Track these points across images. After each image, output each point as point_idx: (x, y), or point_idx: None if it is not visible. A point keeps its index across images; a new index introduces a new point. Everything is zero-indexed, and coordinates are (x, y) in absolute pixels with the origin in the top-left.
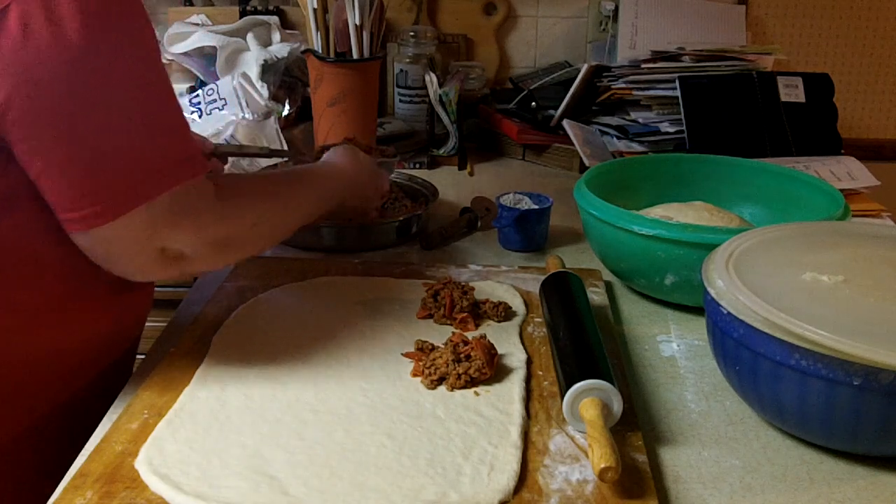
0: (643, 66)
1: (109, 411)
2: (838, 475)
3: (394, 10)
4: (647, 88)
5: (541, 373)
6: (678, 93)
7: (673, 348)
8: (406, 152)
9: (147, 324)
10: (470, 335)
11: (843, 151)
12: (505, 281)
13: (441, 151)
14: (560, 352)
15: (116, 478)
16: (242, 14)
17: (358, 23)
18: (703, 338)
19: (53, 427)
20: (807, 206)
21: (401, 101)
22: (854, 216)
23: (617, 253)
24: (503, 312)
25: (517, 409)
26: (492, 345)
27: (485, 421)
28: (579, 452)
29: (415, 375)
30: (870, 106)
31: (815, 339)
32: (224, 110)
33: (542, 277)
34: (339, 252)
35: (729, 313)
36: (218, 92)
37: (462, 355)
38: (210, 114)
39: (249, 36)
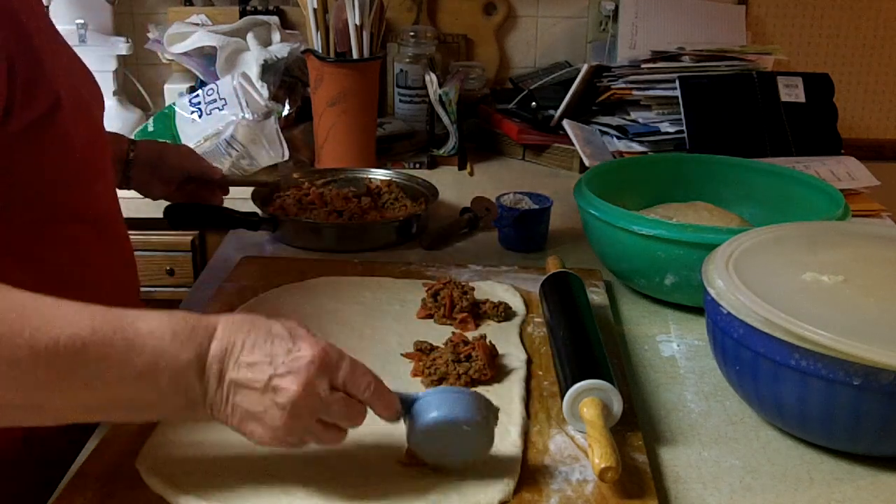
0: (643, 66)
1: None
2: (838, 475)
3: (394, 10)
4: (647, 88)
5: (541, 373)
6: (678, 93)
7: (673, 348)
8: (406, 152)
9: None
10: (470, 335)
11: (843, 151)
12: (505, 281)
13: (441, 151)
14: (560, 352)
15: (116, 478)
16: (242, 14)
17: (358, 23)
18: (703, 338)
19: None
20: (807, 206)
21: (401, 101)
22: (854, 216)
23: (617, 253)
24: (503, 312)
25: (517, 409)
26: (493, 346)
27: None
28: (579, 452)
29: (415, 375)
30: (870, 106)
31: (815, 339)
32: (224, 110)
33: (542, 277)
34: (339, 252)
35: (729, 313)
36: (218, 92)
37: (462, 355)
38: (210, 114)
39: (249, 36)
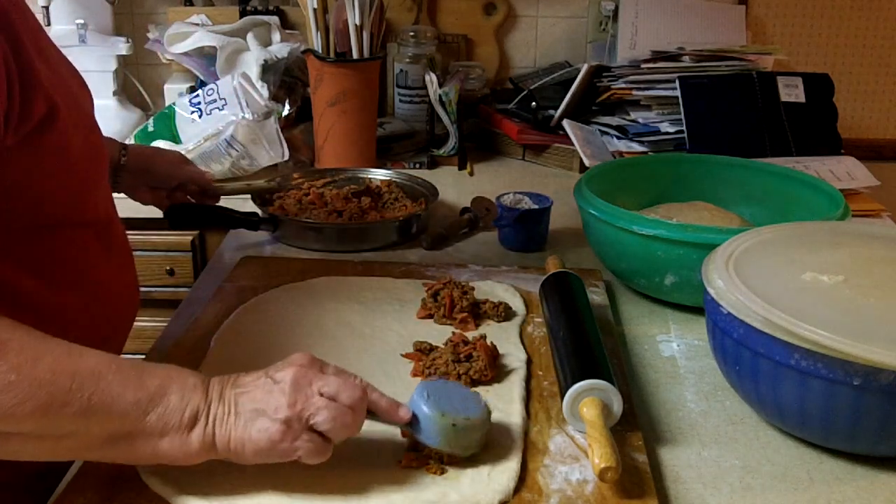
0: (643, 66)
1: None
2: (838, 475)
3: (394, 10)
4: (647, 88)
5: (541, 373)
6: (678, 93)
7: (673, 348)
8: (406, 152)
9: (147, 324)
10: (470, 335)
11: (843, 151)
12: (505, 281)
13: (441, 151)
14: (560, 352)
15: (116, 478)
16: (242, 14)
17: (358, 23)
18: (703, 338)
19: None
20: (807, 206)
21: (401, 101)
22: (854, 216)
23: (617, 253)
24: (503, 312)
25: (517, 409)
26: (495, 347)
27: None
28: (579, 452)
29: (415, 375)
30: (870, 106)
31: (815, 339)
32: (224, 110)
33: (542, 277)
34: (339, 252)
35: (729, 313)
36: (218, 92)
37: (462, 355)
38: (210, 114)
39: (249, 36)
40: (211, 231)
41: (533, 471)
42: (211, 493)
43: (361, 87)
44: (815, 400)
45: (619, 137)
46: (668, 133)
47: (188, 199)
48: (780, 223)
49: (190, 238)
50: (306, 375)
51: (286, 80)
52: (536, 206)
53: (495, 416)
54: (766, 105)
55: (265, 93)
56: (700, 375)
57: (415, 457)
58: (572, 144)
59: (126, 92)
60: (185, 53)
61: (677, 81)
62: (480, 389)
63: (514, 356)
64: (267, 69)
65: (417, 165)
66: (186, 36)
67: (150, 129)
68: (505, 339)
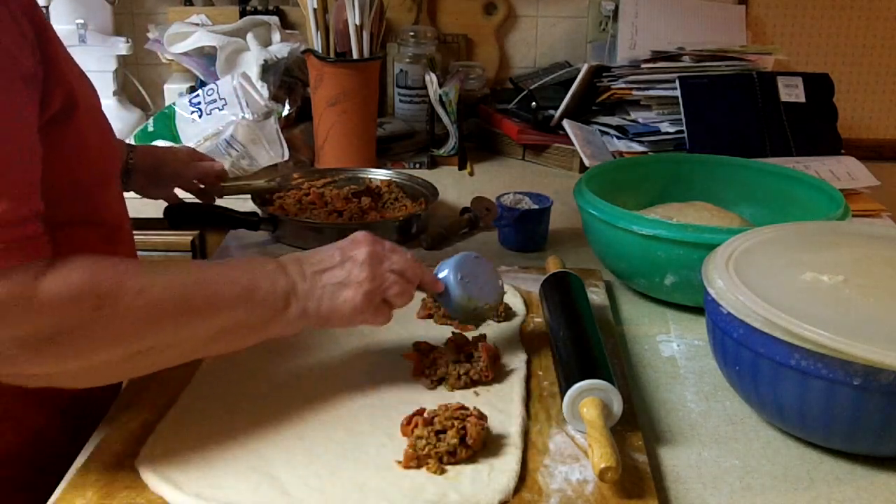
0: (643, 66)
1: (110, 411)
2: (838, 475)
3: (394, 10)
4: (647, 88)
5: (541, 373)
6: (678, 93)
7: (673, 348)
8: (406, 152)
9: None
10: (470, 335)
11: (843, 151)
12: (505, 281)
13: (441, 151)
14: (560, 352)
15: (116, 478)
16: (242, 14)
17: (358, 23)
18: (703, 338)
19: (53, 428)
20: (807, 206)
21: (401, 101)
22: (854, 216)
23: (617, 253)
24: (503, 312)
25: (517, 409)
26: (496, 348)
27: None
28: (579, 452)
29: (415, 375)
30: (870, 106)
31: (815, 339)
32: (224, 110)
33: (542, 277)
34: None
35: (729, 313)
36: (218, 92)
37: (462, 356)
38: (210, 114)
39: (249, 36)
40: (211, 231)
41: (533, 471)
42: (209, 493)
43: (361, 87)
44: (815, 400)
45: (619, 137)
46: (668, 133)
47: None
48: (780, 223)
49: (190, 238)
50: (377, 254)
51: (286, 80)
52: (536, 206)
53: (496, 416)
54: (766, 105)
55: (265, 93)
56: (700, 375)
57: (415, 457)
58: (572, 144)
59: (126, 92)
60: (185, 53)
61: (677, 81)
62: (480, 389)
63: (514, 356)
64: (267, 69)
65: (417, 165)
66: (186, 36)
67: (150, 129)
68: (505, 339)
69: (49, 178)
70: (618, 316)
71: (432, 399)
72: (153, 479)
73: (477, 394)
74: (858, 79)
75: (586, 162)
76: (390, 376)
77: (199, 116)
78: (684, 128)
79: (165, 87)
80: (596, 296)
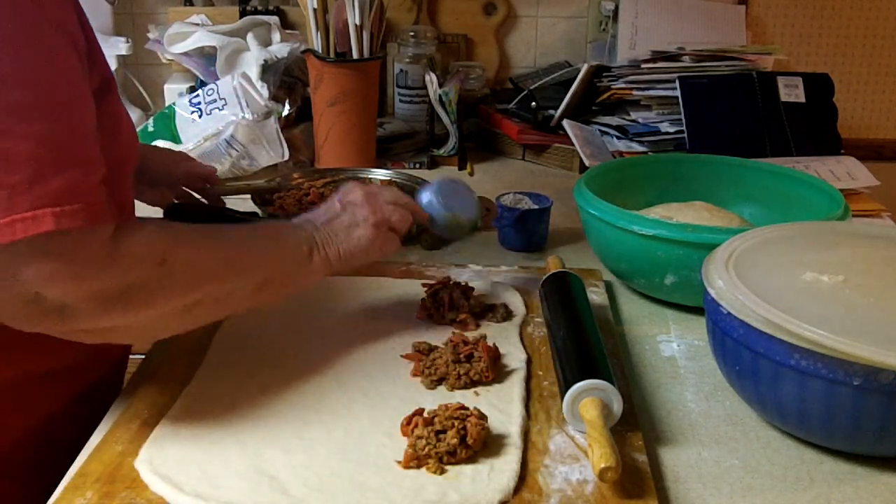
0: (643, 66)
1: (110, 411)
2: (838, 475)
3: (394, 10)
4: (647, 88)
5: (541, 373)
6: (678, 93)
7: (673, 348)
8: (406, 152)
9: None
10: (470, 335)
11: (843, 151)
12: (505, 281)
13: (441, 151)
14: (560, 352)
15: (116, 478)
16: (242, 14)
17: (358, 23)
18: (703, 338)
19: (53, 427)
20: (807, 206)
21: (401, 101)
22: (854, 216)
23: (617, 253)
24: (503, 312)
25: (517, 408)
26: (497, 348)
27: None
28: (579, 452)
29: (415, 375)
30: (870, 106)
31: (815, 339)
32: (224, 110)
33: (542, 277)
34: None
35: (729, 313)
36: (218, 92)
37: (462, 355)
38: (210, 114)
39: (249, 36)
40: None
41: (533, 471)
42: (209, 493)
43: (361, 87)
44: (815, 400)
45: (619, 137)
46: (668, 133)
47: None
48: (780, 223)
49: None
50: (371, 192)
51: (286, 80)
52: (536, 206)
53: (496, 416)
54: (766, 105)
55: (265, 93)
56: (700, 375)
57: (415, 457)
58: (572, 144)
59: (126, 92)
60: (185, 53)
61: (677, 81)
62: (480, 389)
63: (514, 356)
64: (267, 69)
65: (417, 165)
66: (186, 36)
67: (150, 129)
68: (505, 339)
69: None
70: (618, 316)
71: (432, 399)
72: (153, 479)
73: (477, 394)
74: (858, 79)
75: (586, 162)
76: (390, 376)
77: (199, 116)
78: (684, 128)
79: (165, 87)
80: (596, 296)
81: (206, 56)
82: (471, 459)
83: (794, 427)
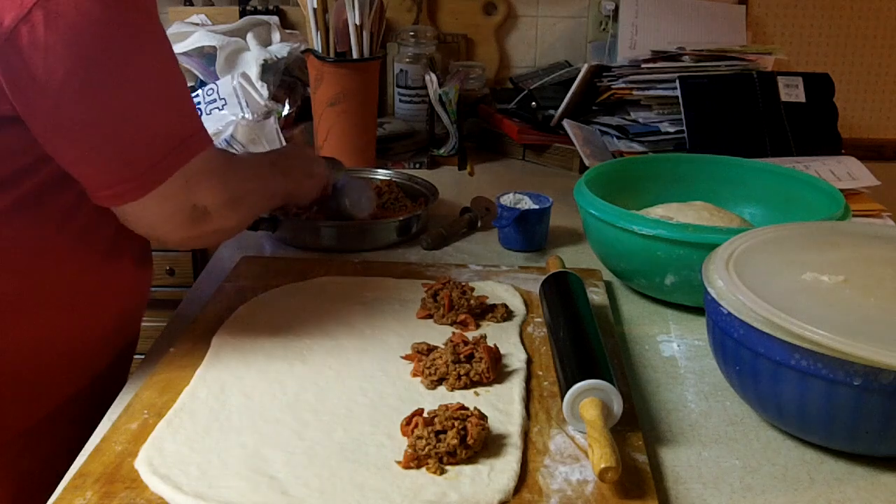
0: (643, 66)
1: (109, 411)
2: (838, 475)
3: (394, 10)
4: (647, 88)
5: (541, 373)
6: (678, 93)
7: (673, 348)
8: (406, 152)
9: (147, 324)
10: (470, 335)
11: (843, 151)
12: (505, 281)
13: (441, 151)
14: (560, 352)
15: (116, 478)
16: (242, 14)
17: (358, 23)
18: (703, 338)
19: (53, 427)
20: (807, 206)
21: (401, 101)
22: (854, 216)
23: (617, 253)
24: (503, 312)
25: (517, 409)
26: (497, 349)
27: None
28: (579, 452)
29: (415, 375)
30: (870, 106)
31: (815, 339)
32: (224, 110)
33: (542, 277)
34: (339, 252)
35: (729, 313)
36: (218, 92)
37: (462, 356)
38: (210, 114)
39: (249, 36)
40: None
41: (533, 471)
42: (209, 493)
43: (361, 87)
44: (815, 400)
45: (619, 137)
46: (668, 133)
47: None
48: (780, 223)
49: None
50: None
51: (286, 80)
52: (536, 206)
53: (496, 416)
54: (766, 105)
55: (265, 93)
56: (700, 375)
57: (415, 457)
58: (572, 144)
59: None
60: (185, 53)
61: (677, 81)
62: (480, 390)
63: (515, 356)
64: (267, 69)
65: (417, 165)
66: (186, 36)
67: None
68: (505, 339)
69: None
70: (618, 316)
71: (432, 399)
72: (153, 479)
73: (477, 394)
74: (858, 79)
75: (586, 162)
76: (390, 376)
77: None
78: (684, 128)
79: None
80: (596, 296)
81: (206, 56)
82: (471, 460)
83: (794, 427)
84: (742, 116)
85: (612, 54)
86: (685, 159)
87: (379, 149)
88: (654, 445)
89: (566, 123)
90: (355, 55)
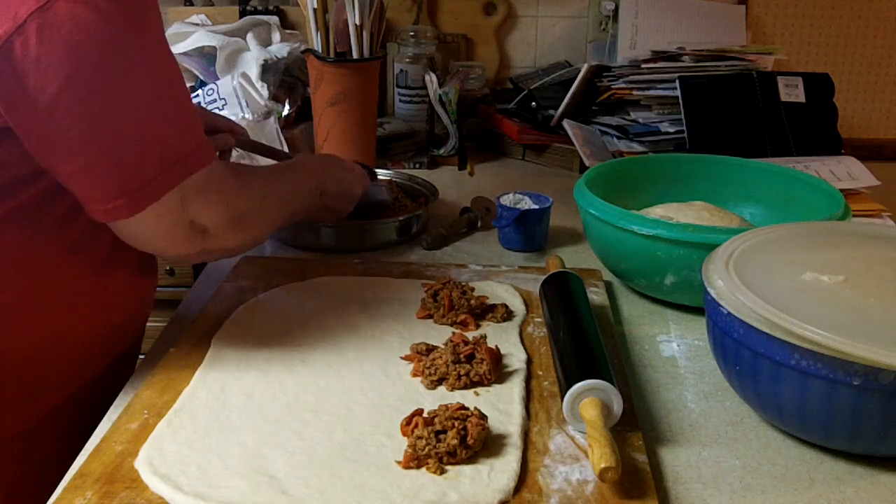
0: (643, 66)
1: (109, 411)
2: (838, 475)
3: (394, 10)
4: (647, 88)
5: (541, 373)
6: (678, 93)
7: (673, 348)
8: (406, 152)
9: (147, 324)
10: (470, 335)
11: (843, 151)
12: (505, 281)
13: (441, 151)
14: (560, 352)
15: (116, 478)
16: (242, 14)
17: (358, 23)
18: (703, 338)
19: (53, 427)
20: (807, 206)
21: (401, 101)
22: (854, 216)
23: (617, 253)
24: (503, 312)
25: (517, 409)
26: (499, 350)
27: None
28: (579, 452)
29: (415, 375)
30: (870, 106)
31: (815, 339)
32: (224, 110)
33: (542, 277)
34: (339, 252)
35: (729, 313)
36: (218, 92)
37: (462, 356)
38: None
39: (249, 36)
40: None
41: (533, 471)
42: (209, 493)
43: (361, 87)
44: (815, 400)
45: (619, 137)
46: (668, 133)
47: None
48: (780, 223)
49: None
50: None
51: (286, 80)
52: (536, 206)
53: (496, 416)
54: (766, 105)
55: (265, 93)
56: (700, 375)
57: (415, 457)
58: (572, 144)
59: None
60: (185, 53)
61: (677, 81)
62: (480, 390)
63: (515, 356)
64: (267, 69)
65: (417, 165)
66: (186, 36)
67: None
68: (505, 339)
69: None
70: (618, 316)
71: (432, 399)
72: (153, 479)
73: (477, 394)
74: (858, 79)
75: (586, 162)
76: (390, 376)
77: None
78: (684, 128)
79: None
80: (596, 296)
81: (206, 56)
82: (471, 460)
83: (794, 427)
84: (742, 116)
85: (612, 54)
86: (685, 159)
87: (379, 149)
88: (654, 445)
89: (566, 123)
90: (355, 55)
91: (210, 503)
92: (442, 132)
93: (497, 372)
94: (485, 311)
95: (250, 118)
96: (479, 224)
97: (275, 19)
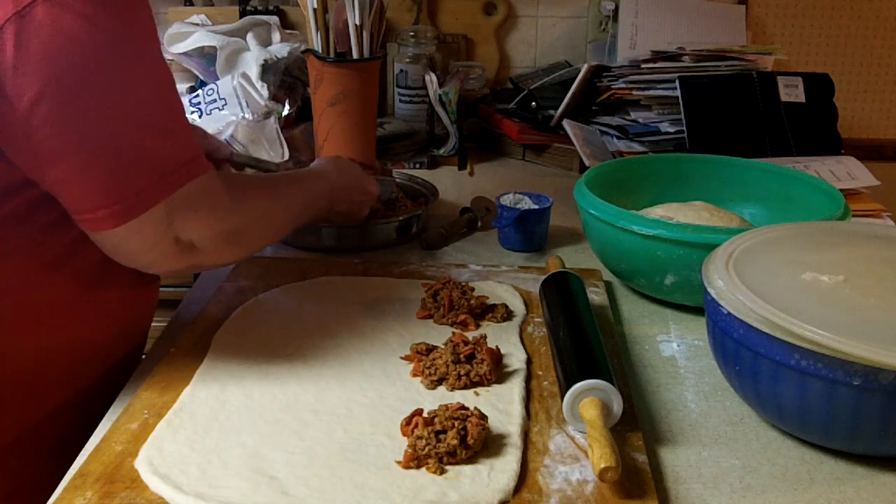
0: (643, 66)
1: (109, 411)
2: (838, 475)
3: (394, 10)
4: (647, 88)
5: (541, 373)
6: (678, 93)
7: (673, 348)
8: (406, 152)
9: None
10: (470, 335)
11: (843, 151)
12: (505, 281)
13: (441, 151)
14: (560, 352)
15: (116, 478)
16: (242, 14)
17: (358, 23)
18: (703, 338)
19: (54, 427)
20: (807, 206)
21: (401, 101)
22: (854, 216)
23: (617, 253)
24: (503, 312)
25: (517, 409)
26: (499, 351)
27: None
28: (579, 452)
29: (415, 375)
30: (870, 106)
31: (815, 339)
32: (224, 110)
33: (542, 277)
34: (339, 252)
35: (729, 313)
36: (218, 92)
37: (462, 356)
38: (210, 114)
39: (249, 36)
40: None
41: (533, 471)
42: (209, 493)
43: (361, 87)
44: (815, 400)
45: (619, 137)
46: (668, 133)
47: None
48: (780, 223)
49: None
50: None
51: (286, 80)
52: (536, 206)
53: (496, 416)
54: (766, 105)
55: (265, 93)
56: (700, 375)
57: (415, 457)
58: (572, 144)
59: None
60: (185, 53)
61: (677, 81)
62: (480, 390)
63: (515, 356)
64: (267, 69)
65: (417, 165)
66: (186, 36)
67: None
68: (505, 339)
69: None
70: (618, 316)
71: (432, 399)
72: (153, 479)
73: (477, 394)
74: (858, 79)
75: (586, 162)
76: (390, 376)
77: (199, 116)
78: (684, 128)
79: None
80: (596, 296)
81: (206, 56)
82: (471, 459)
83: (794, 427)
84: (742, 116)
85: (612, 54)
86: (685, 159)
87: (379, 149)
88: (654, 445)
89: (566, 123)
90: (355, 55)
91: (210, 503)
92: (442, 132)
93: (497, 372)
94: (485, 311)
95: (250, 118)
96: (479, 224)
97: (275, 19)
